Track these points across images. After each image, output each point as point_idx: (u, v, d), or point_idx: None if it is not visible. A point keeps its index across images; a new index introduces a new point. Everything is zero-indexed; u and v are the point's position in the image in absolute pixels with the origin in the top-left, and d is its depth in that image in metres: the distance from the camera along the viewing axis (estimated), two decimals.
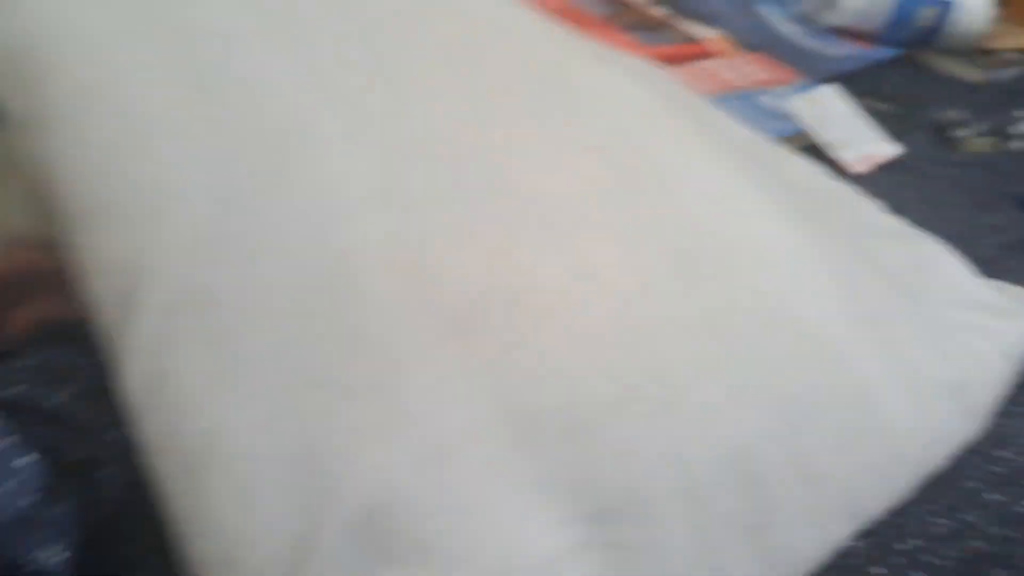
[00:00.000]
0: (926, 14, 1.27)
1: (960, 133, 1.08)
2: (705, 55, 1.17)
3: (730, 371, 0.50)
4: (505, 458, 0.44)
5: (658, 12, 1.27)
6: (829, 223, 0.66)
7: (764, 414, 0.50)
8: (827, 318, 0.55)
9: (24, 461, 0.45)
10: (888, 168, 1.01)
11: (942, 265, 0.72)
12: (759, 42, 1.24)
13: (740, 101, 1.03)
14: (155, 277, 0.46)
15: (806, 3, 1.35)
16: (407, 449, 0.43)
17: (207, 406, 0.44)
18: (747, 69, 1.14)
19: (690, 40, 1.20)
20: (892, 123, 1.07)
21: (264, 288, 0.47)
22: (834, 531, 0.52)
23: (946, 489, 0.59)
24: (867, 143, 1.02)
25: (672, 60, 1.09)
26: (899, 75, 1.25)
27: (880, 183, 0.91)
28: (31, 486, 0.44)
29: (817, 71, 1.17)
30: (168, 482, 0.43)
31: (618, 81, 0.67)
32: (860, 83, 1.16)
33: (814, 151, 0.98)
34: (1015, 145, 1.09)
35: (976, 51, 1.32)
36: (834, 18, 1.32)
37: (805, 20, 1.33)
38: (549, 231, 0.52)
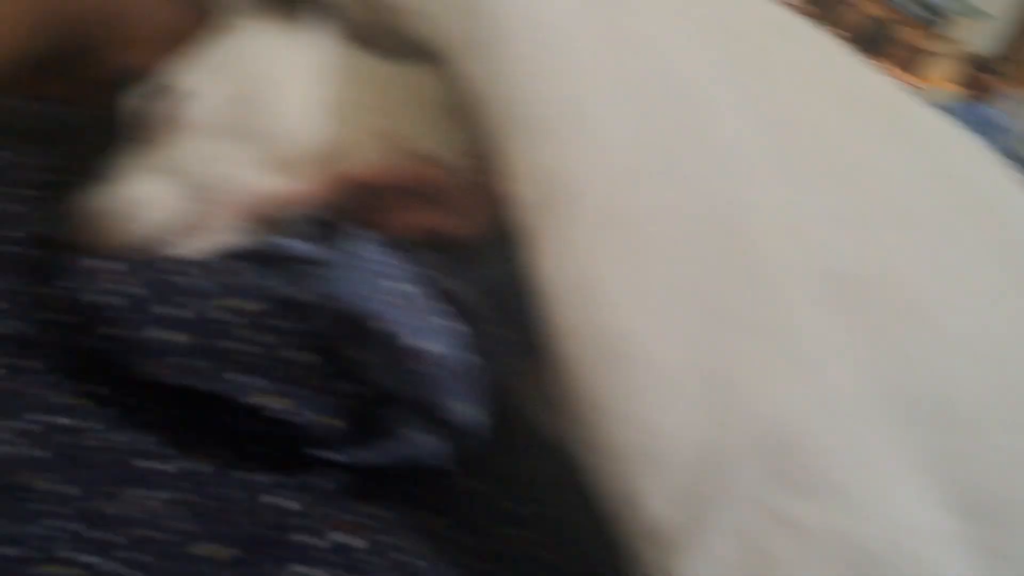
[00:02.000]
0: None
1: None
2: None
3: None
4: (889, 428, 0.47)
5: None
6: None
7: None
8: None
9: (462, 327, 0.50)
10: None
11: None
12: None
13: None
14: (590, 193, 0.51)
15: None
16: (809, 393, 0.46)
17: (631, 312, 0.48)
18: None
19: None
20: None
21: (678, 220, 0.51)
22: None
23: None
24: None
25: None
26: None
27: None
28: (459, 340, 0.49)
29: None
30: (580, 368, 0.47)
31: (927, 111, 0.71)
32: None
33: None
34: None
35: None
36: None
37: None
38: (918, 232, 0.56)
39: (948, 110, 0.89)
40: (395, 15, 0.63)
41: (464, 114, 0.63)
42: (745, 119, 0.56)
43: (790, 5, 0.80)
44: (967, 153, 0.68)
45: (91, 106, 0.73)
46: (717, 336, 0.48)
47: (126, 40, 0.61)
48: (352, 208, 0.61)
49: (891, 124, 0.66)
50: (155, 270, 0.48)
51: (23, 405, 0.45)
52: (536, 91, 0.54)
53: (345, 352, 0.48)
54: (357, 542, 0.46)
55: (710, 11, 0.68)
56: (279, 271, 0.50)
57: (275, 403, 0.46)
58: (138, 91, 0.60)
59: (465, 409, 0.47)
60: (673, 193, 0.52)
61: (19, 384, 0.46)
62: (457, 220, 0.63)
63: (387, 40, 0.67)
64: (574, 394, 0.47)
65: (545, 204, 0.51)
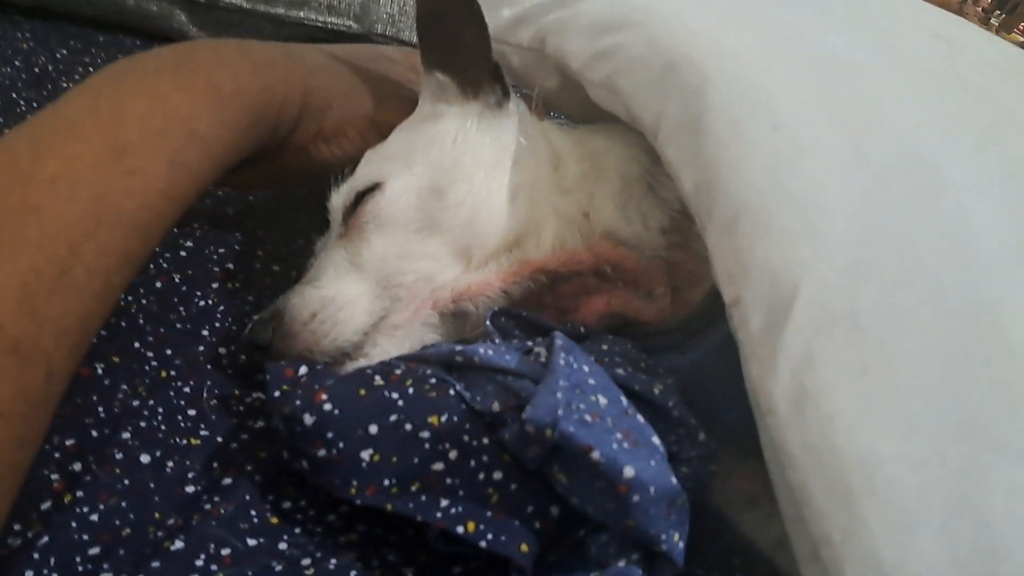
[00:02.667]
0: None
1: None
2: None
3: None
4: None
5: None
6: None
7: None
8: None
9: (657, 440, 0.46)
10: None
11: None
12: None
13: None
14: (808, 293, 0.45)
15: None
16: None
17: (861, 432, 0.42)
18: None
19: None
20: None
21: (911, 322, 0.45)
22: None
23: None
24: None
25: None
26: None
27: None
28: (668, 465, 0.45)
29: None
30: (811, 498, 0.41)
31: None
32: None
33: None
34: None
35: None
36: None
37: None
38: None
39: None
40: (609, 94, 0.60)
41: (664, 191, 0.59)
42: (990, 198, 0.49)
43: None
44: None
45: (286, 195, 0.76)
46: (964, 458, 0.41)
47: (323, 114, 0.62)
48: (542, 297, 0.59)
49: None
50: (351, 384, 0.47)
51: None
52: (765, 181, 0.49)
53: (540, 472, 0.45)
54: None
55: (949, 66, 0.60)
56: (470, 381, 0.48)
57: (461, 526, 0.44)
58: (336, 188, 0.61)
59: (675, 539, 0.43)
60: (909, 288, 0.45)
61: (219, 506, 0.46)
62: (649, 304, 0.60)
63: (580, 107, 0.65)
64: (801, 525, 0.42)
65: (768, 308, 0.46)
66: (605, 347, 0.55)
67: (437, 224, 0.57)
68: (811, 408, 0.43)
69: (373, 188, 0.58)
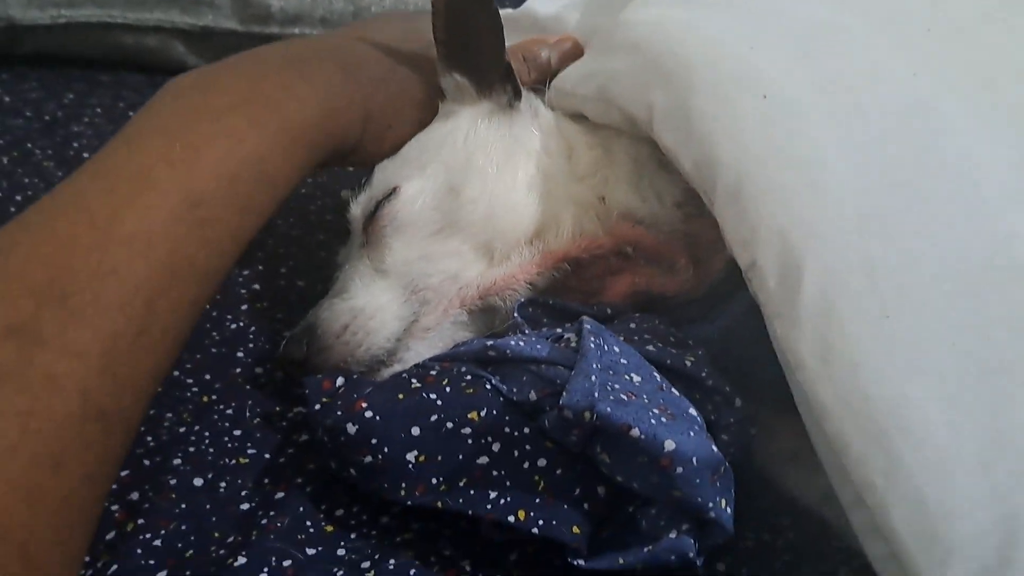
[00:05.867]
0: None
1: None
2: None
3: None
4: None
5: None
6: None
7: None
8: None
9: (694, 411, 0.46)
10: None
11: None
12: None
13: None
14: (819, 246, 0.46)
15: None
16: None
17: (889, 376, 0.42)
18: None
19: None
20: None
21: (927, 265, 0.45)
22: None
23: None
24: None
25: None
26: None
27: None
28: (707, 434, 0.45)
29: None
30: (849, 446, 0.42)
31: None
32: None
33: None
34: None
35: None
36: None
37: None
38: None
39: None
40: (602, 104, 0.61)
41: (675, 167, 0.59)
42: (992, 140, 0.49)
43: None
44: None
45: (302, 211, 0.77)
46: (994, 395, 0.41)
47: (382, 135, 0.62)
48: (568, 282, 0.60)
49: None
50: (388, 390, 0.48)
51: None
52: (763, 150, 0.50)
53: (583, 454, 0.46)
54: None
55: (936, 15, 0.60)
56: (505, 374, 0.49)
57: (512, 515, 0.45)
58: (354, 198, 0.62)
59: (722, 505, 0.43)
60: (921, 232, 0.46)
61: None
62: (672, 278, 0.60)
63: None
64: (843, 473, 0.42)
65: (782, 268, 0.46)
66: (633, 325, 0.55)
67: (455, 223, 0.58)
68: (837, 359, 0.43)
69: (390, 194, 0.59)
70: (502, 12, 0.80)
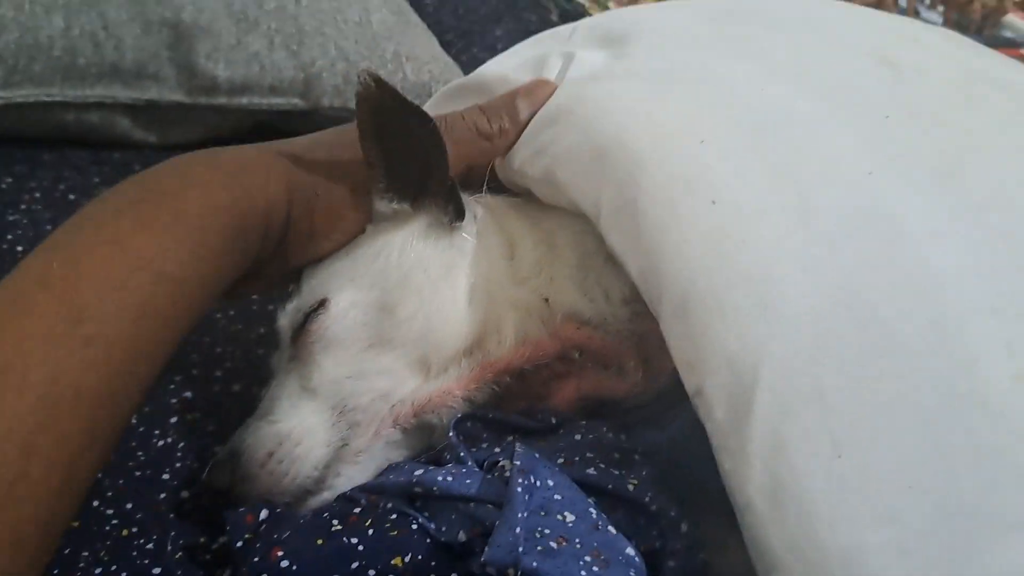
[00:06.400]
0: None
1: None
2: None
3: None
4: None
5: None
6: None
7: None
8: None
9: (632, 551, 0.43)
10: None
11: None
12: None
13: None
14: (769, 375, 0.43)
15: None
16: None
17: (843, 523, 0.39)
18: None
19: None
20: None
21: (882, 394, 0.42)
22: None
23: None
24: None
25: None
26: None
27: None
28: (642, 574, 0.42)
29: None
30: None
31: None
32: None
33: None
34: None
35: None
36: None
37: None
38: None
39: None
40: (550, 188, 0.58)
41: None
42: (953, 242, 0.46)
43: None
44: None
45: (243, 304, 0.74)
46: (955, 542, 0.38)
47: (316, 224, 0.57)
48: (511, 391, 0.57)
49: None
50: (308, 534, 0.45)
51: None
52: (711, 262, 0.47)
53: None
54: None
55: (897, 96, 0.57)
56: (434, 509, 0.46)
57: None
58: (282, 308, 0.58)
59: None
60: (876, 357, 0.43)
61: None
62: (621, 382, 0.57)
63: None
64: None
65: (731, 398, 0.43)
66: (578, 437, 0.53)
67: (389, 340, 0.54)
68: (788, 500, 0.40)
69: (318, 306, 0.56)
70: (452, 83, 0.78)
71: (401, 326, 0.54)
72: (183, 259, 0.46)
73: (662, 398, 0.57)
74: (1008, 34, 1.88)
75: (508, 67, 0.71)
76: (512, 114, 0.61)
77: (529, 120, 0.61)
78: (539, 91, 0.63)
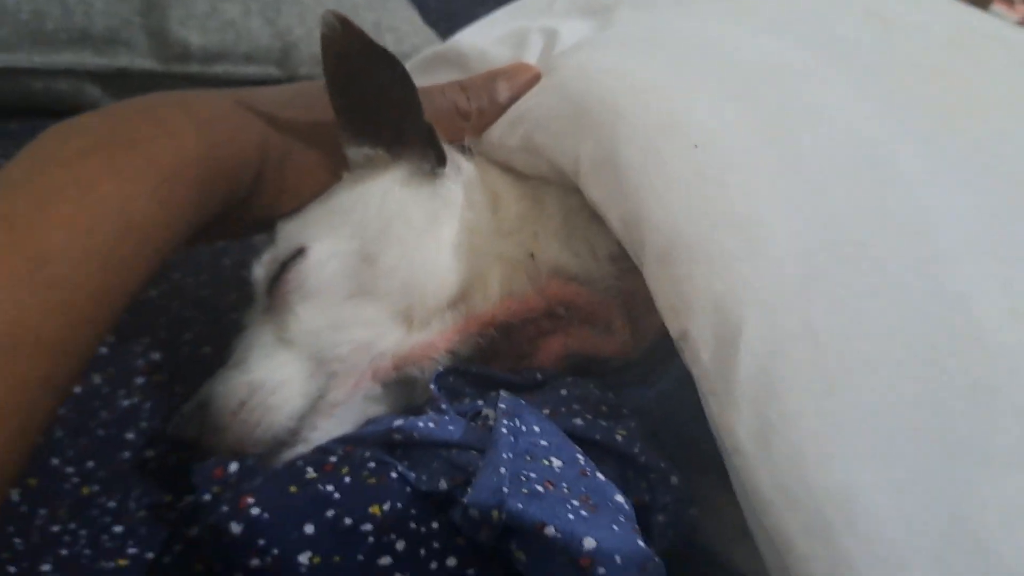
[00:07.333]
0: None
1: None
2: None
3: None
4: None
5: None
6: None
7: None
8: None
9: (621, 497, 0.42)
10: None
11: None
12: None
13: None
14: (757, 315, 0.41)
15: None
16: None
17: (835, 462, 0.38)
18: None
19: None
20: None
21: (876, 331, 0.41)
22: None
23: None
24: None
25: None
26: None
27: None
28: (634, 524, 0.40)
29: None
30: (791, 543, 0.37)
31: None
32: None
33: None
34: None
35: None
36: None
37: None
38: None
39: None
40: (529, 155, 0.56)
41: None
42: (948, 187, 0.45)
43: None
44: None
45: (213, 268, 0.72)
46: (950, 477, 0.37)
47: (288, 182, 0.56)
48: (496, 347, 0.55)
49: None
50: (280, 481, 0.43)
51: None
52: (695, 208, 0.45)
53: (495, 551, 0.41)
54: None
55: (889, 48, 0.56)
56: (415, 459, 0.44)
57: None
58: (258, 258, 0.56)
59: None
60: (869, 295, 0.42)
61: None
62: (608, 339, 0.55)
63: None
64: (785, 572, 0.38)
65: (717, 341, 0.42)
66: (564, 392, 0.51)
67: (370, 291, 0.52)
68: (777, 441, 0.39)
69: (296, 255, 0.53)
70: (427, 51, 0.76)
71: (383, 276, 0.52)
72: (152, 209, 0.45)
73: (649, 359, 0.55)
74: None
75: (487, 40, 0.70)
76: (492, 95, 0.60)
77: (509, 104, 0.60)
78: (520, 75, 0.61)
